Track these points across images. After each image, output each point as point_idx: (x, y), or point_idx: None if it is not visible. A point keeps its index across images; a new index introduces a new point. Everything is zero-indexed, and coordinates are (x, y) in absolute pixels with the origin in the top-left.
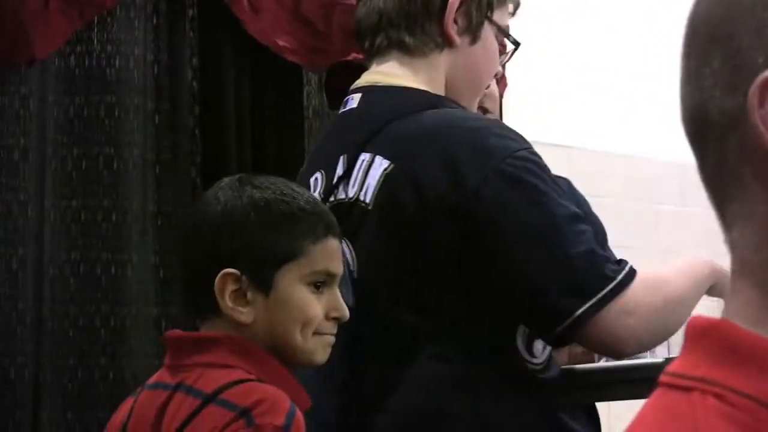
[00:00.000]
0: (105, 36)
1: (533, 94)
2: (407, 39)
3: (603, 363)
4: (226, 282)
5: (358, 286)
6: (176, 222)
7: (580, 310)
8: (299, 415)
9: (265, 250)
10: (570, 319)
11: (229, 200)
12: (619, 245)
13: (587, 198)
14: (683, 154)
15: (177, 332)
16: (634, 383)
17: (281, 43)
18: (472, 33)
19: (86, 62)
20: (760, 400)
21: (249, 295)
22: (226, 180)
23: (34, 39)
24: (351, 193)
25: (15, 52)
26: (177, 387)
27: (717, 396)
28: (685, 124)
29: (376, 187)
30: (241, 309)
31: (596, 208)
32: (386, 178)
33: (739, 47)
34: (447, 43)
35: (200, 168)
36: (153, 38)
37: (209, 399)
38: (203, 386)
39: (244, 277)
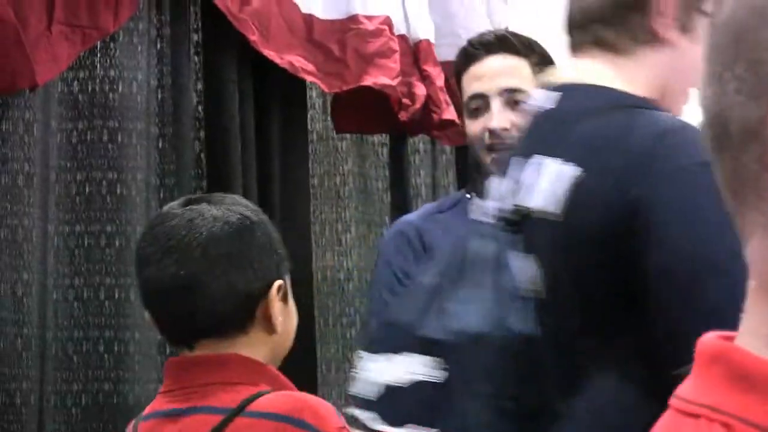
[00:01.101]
0: (108, 61)
1: None
2: (609, 35)
3: None
4: (276, 295)
5: (544, 310)
6: (181, 256)
7: None
8: None
9: (284, 260)
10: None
11: (231, 222)
12: None
13: None
14: None
15: (179, 357)
16: None
17: (296, 63)
18: (685, 27)
19: (89, 87)
20: (766, 429)
21: (280, 305)
22: (196, 204)
23: (37, 64)
24: (535, 201)
25: (18, 77)
26: (192, 409)
27: (724, 425)
28: (704, 128)
29: (564, 196)
30: (280, 319)
31: None
32: (575, 188)
33: (765, 55)
34: (657, 39)
35: (205, 192)
36: (156, 63)
37: (236, 413)
38: (222, 404)
39: (282, 288)
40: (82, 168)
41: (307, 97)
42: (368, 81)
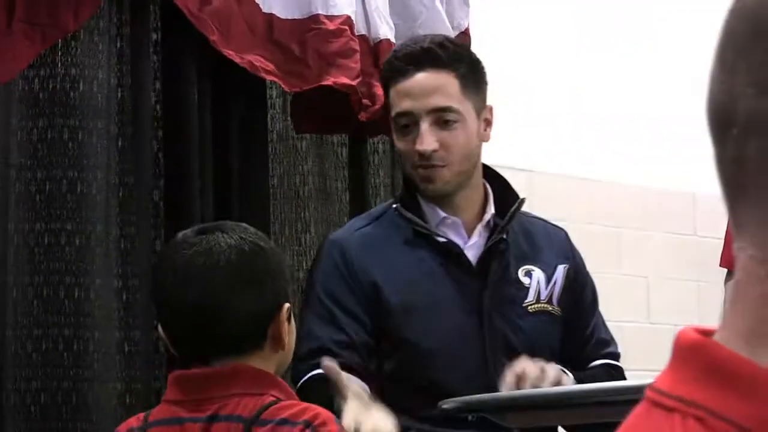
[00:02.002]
0: (69, 59)
1: (495, 118)
2: None
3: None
4: (286, 315)
5: None
6: (183, 278)
7: None
8: None
9: (289, 283)
10: None
11: (244, 250)
12: None
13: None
14: (645, 178)
15: (194, 371)
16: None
17: (256, 63)
18: None
19: (50, 85)
20: (740, 424)
21: (288, 324)
22: (211, 233)
23: None
24: None
25: None
26: (212, 418)
27: (698, 419)
28: (709, 114)
29: None
30: (287, 338)
31: None
32: None
33: None
34: None
35: (163, 191)
36: (117, 62)
37: (252, 422)
38: (242, 412)
39: (289, 309)
40: (42, 166)
41: (267, 97)
42: (328, 81)
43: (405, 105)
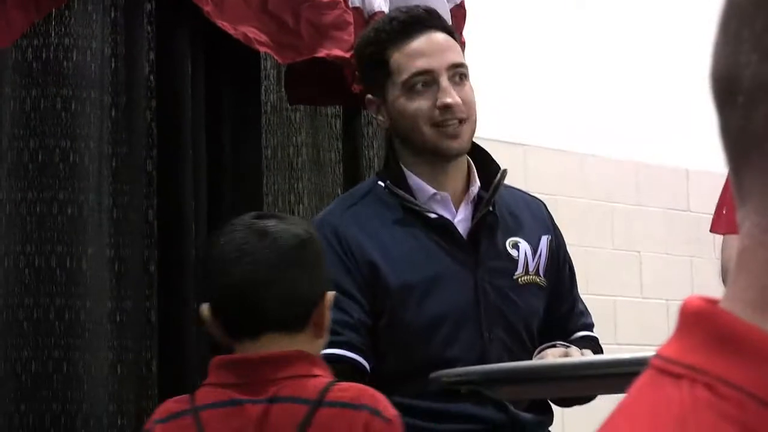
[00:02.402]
0: (62, 29)
1: (489, 92)
2: None
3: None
4: (327, 304)
5: None
6: (250, 260)
7: None
8: None
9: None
10: None
11: (299, 234)
12: (574, 243)
13: (543, 197)
14: (639, 153)
15: (247, 355)
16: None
17: (250, 34)
18: None
19: (43, 55)
20: (749, 392)
21: (326, 312)
22: (267, 219)
23: None
24: None
25: None
26: (272, 399)
27: (707, 386)
28: (713, 82)
29: None
30: (325, 326)
31: (552, 207)
32: None
33: None
34: None
35: (156, 162)
36: (110, 32)
37: (318, 403)
38: (305, 393)
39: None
40: (35, 135)
41: (261, 68)
42: (322, 53)
43: (422, 63)
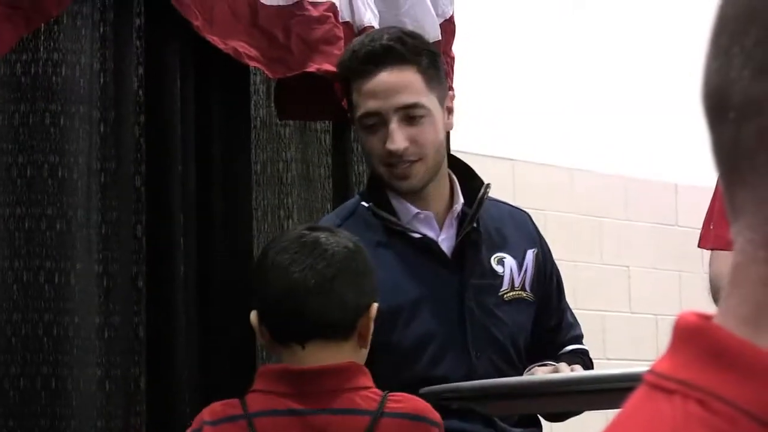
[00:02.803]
0: (51, 44)
1: (478, 107)
2: None
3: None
4: (372, 314)
5: None
6: (304, 273)
7: None
8: None
9: (376, 287)
10: None
11: (349, 246)
12: (562, 258)
13: (532, 211)
14: (627, 168)
15: (307, 366)
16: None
17: (240, 49)
18: None
19: (32, 70)
20: (742, 407)
21: (370, 323)
22: (313, 231)
23: None
24: None
25: None
26: (334, 411)
27: (699, 402)
28: (704, 98)
29: None
30: (369, 336)
31: (541, 221)
32: None
33: None
34: None
35: (145, 177)
36: (99, 47)
37: (380, 414)
38: (364, 405)
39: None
40: (24, 150)
41: (251, 83)
42: (312, 68)
43: (371, 105)
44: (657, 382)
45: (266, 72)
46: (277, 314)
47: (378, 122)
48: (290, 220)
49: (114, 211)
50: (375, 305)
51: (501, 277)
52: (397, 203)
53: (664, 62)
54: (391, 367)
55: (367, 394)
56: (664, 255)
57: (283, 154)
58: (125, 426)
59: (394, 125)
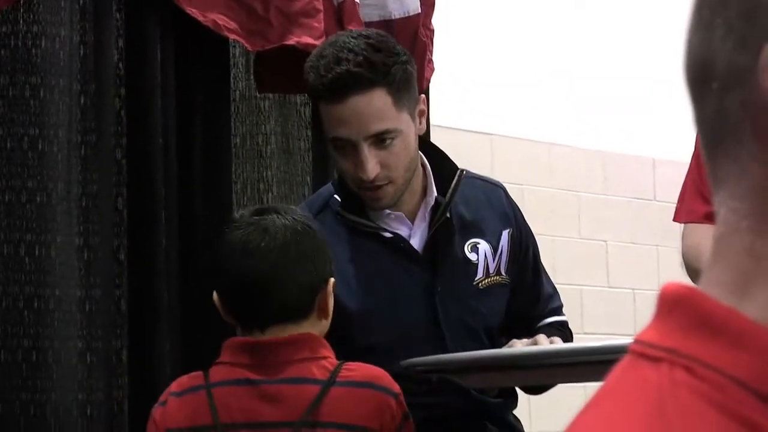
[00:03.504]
0: (31, 17)
1: (457, 82)
2: None
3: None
4: (330, 289)
5: None
6: (254, 252)
7: None
8: None
9: (332, 260)
10: None
11: (297, 229)
12: (540, 233)
13: (510, 186)
14: (605, 143)
15: (264, 338)
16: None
17: (219, 21)
18: None
19: (12, 43)
20: (728, 374)
21: (329, 297)
22: (268, 214)
23: None
24: None
25: None
26: (284, 380)
27: (686, 368)
28: (687, 71)
29: None
30: (329, 308)
31: (518, 196)
32: None
33: (759, 2)
34: None
35: (125, 150)
36: (79, 19)
37: (330, 383)
38: (316, 374)
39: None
40: (3, 123)
41: (230, 56)
42: (292, 40)
43: (341, 132)
44: (643, 351)
45: (245, 45)
46: (233, 303)
47: (348, 146)
48: (270, 193)
49: (95, 184)
50: (331, 280)
51: (475, 265)
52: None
53: (643, 37)
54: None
55: (324, 364)
56: (642, 229)
57: (263, 126)
58: (107, 398)
59: (365, 153)
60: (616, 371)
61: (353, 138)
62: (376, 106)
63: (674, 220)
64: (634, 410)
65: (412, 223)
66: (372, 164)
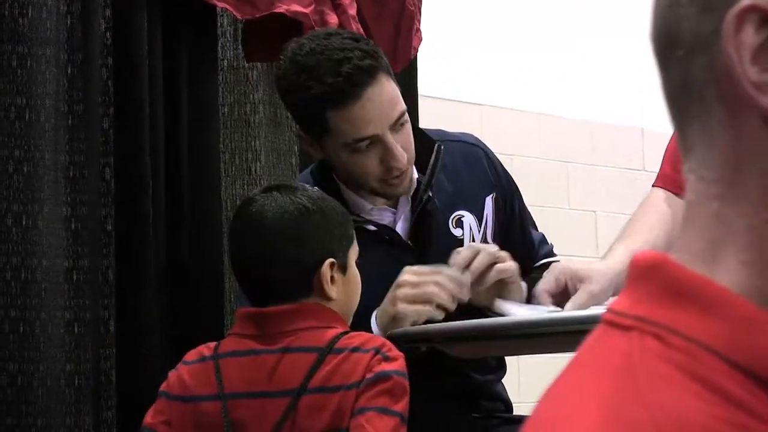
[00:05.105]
0: None
1: (446, 52)
2: None
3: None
4: (329, 269)
5: None
6: (252, 230)
7: None
8: None
9: (343, 240)
10: None
11: (290, 210)
12: (530, 203)
13: (499, 156)
14: (594, 112)
15: (269, 308)
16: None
17: None
18: None
19: None
20: (699, 341)
21: (336, 276)
22: (269, 193)
23: None
24: None
25: None
26: (285, 350)
27: (656, 336)
28: (653, 39)
29: None
30: (333, 288)
31: (508, 166)
32: None
33: None
34: None
35: (113, 119)
36: None
37: (327, 351)
38: (316, 343)
39: (336, 263)
40: None
41: (218, 25)
42: (281, 8)
43: (366, 130)
44: (614, 320)
45: (234, 13)
46: (239, 282)
47: (371, 143)
48: (258, 163)
49: (82, 154)
50: (327, 262)
51: (461, 241)
52: (348, 197)
53: (632, 7)
54: None
55: (328, 333)
56: (631, 199)
57: (251, 96)
58: (95, 369)
59: (392, 142)
60: (589, 341)
61: (379, 131)
62: (388, 91)
63: (653, 185)
64: (604, 377)
65: (396, 208)
66: (401, 151)
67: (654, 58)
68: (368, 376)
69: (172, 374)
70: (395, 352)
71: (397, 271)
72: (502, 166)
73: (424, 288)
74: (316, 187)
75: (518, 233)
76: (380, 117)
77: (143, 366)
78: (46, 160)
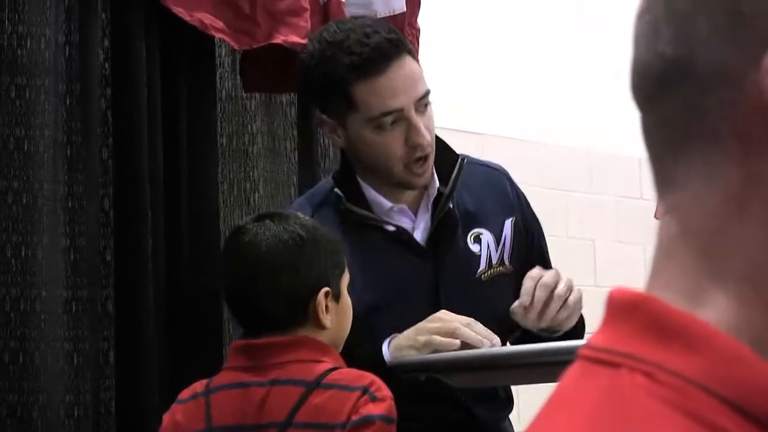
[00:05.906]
0: (16, 17)
1: (444, 80)
2: None
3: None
4: (324, 298)
5: None
6: (242, 259)
7: None
8: None
9: (336, 268)
10: None
11: (284, 238)
12: None
13: None
14: (592, 142)
15: (259, 340)
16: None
17: (206, 20)
18: None
19: None
20: (687, 377)
21: (330, 305)
22: (262, 222)
23: None
24: None
25: None
26: (273, 382)
27: (645, 374)
28: (638, 72)
29: None
30: (328, 317)
31: None
32: None
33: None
34: None
35: (111, 150)
36: (64, 19)
37: (314, 385)
38: (304, 377)
39: (330, 292)
40: None
41: (216, 55)
42: (278, 39)
43: (392, 103)
44: (597, 356)
45: (232, 43)
46: (231, 308)
47: (396, 119)
48: (256, 193)
49: (80, 185)
50: (323, 291)
51: (478, 257)
52: (370, 196)
53: (628, 35)
54: (369, 361)
55: (318, 367)
56: (629, 228)
57: (249, 126)
58: (94, 400)
59: (416, 118)
60: (569, 377)
61: (405, 105)
62: (413, 68)
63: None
64: (593, 416)
65: (415, 215)
66: (424, 129)
67: (637, 87)
68: (354, 417)
69: (166, 417)
70: (384, 391)
71: (409, 272)
72: (525, 197)
73: (456, 326)
74: (308, 216)
75: (537, 262)
76: (406, 90)
77: (142, 397)
78: (44, 191)
